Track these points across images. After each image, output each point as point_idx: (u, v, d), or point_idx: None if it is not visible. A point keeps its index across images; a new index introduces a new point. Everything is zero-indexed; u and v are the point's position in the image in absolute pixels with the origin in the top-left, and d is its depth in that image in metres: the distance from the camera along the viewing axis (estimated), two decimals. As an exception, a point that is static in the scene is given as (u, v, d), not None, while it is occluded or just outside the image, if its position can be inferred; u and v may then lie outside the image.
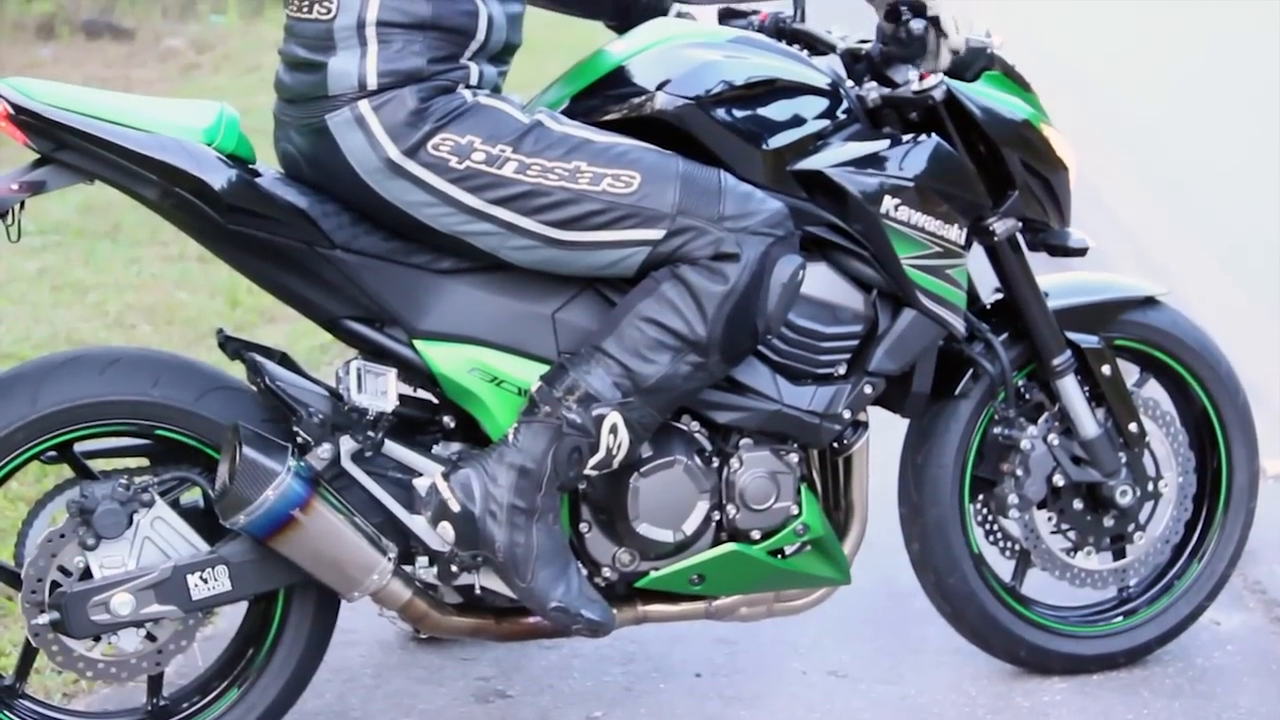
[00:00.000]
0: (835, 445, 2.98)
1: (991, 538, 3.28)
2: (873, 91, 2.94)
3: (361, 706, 3.13)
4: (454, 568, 2.81)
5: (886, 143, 2.92)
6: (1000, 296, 3.18)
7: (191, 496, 2.80)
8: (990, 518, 3.27)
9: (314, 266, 2.73)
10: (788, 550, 2.96)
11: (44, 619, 2.69)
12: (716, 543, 2.92)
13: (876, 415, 3.03)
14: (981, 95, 3.00)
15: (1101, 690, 3.22)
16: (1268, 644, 3.41)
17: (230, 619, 3.12)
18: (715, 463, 2.89)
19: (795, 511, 2.93)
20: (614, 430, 2.72)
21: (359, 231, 2.74)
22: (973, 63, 2.92)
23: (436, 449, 2.82)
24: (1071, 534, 3.24)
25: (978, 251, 3.07)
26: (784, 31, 3.13)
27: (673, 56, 2.85)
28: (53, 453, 2.75)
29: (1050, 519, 3.23)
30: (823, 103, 2.90)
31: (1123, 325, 3.23)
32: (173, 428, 2.75)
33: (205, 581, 2.72)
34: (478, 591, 2.84)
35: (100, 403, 2.71)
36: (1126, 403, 3.21)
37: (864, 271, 2.92)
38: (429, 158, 2.67)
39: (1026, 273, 3.13)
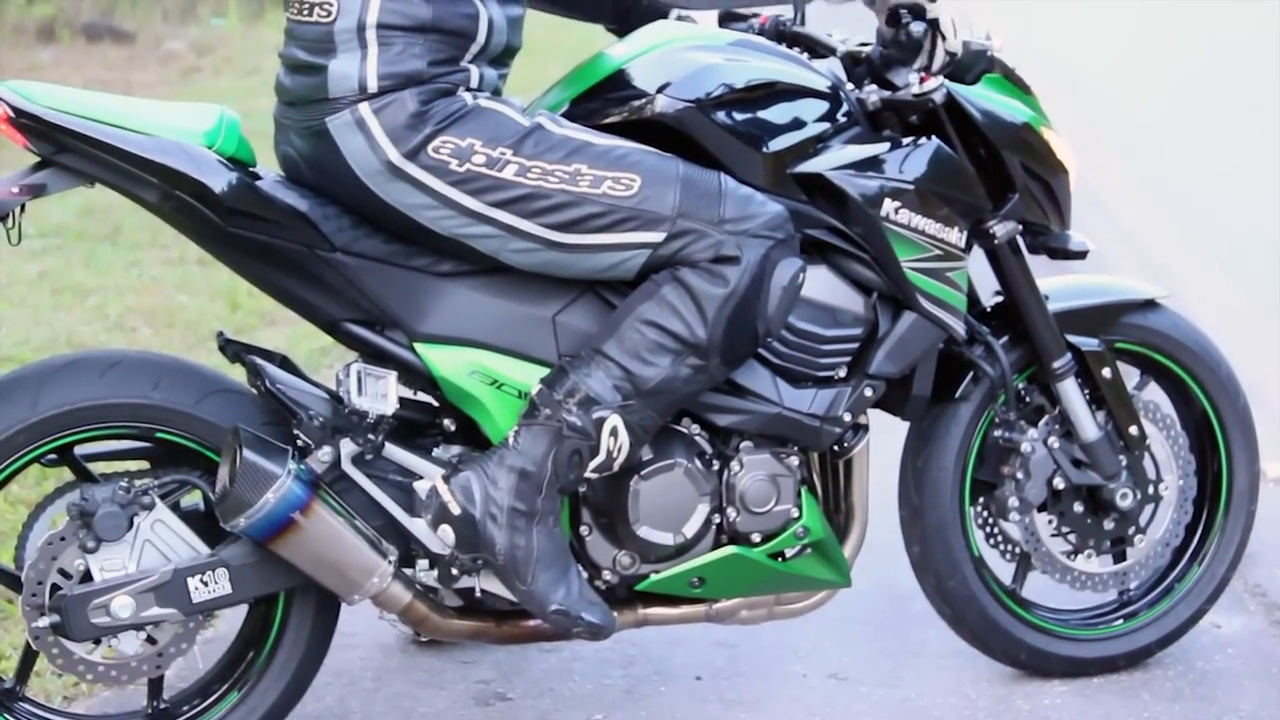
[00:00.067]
0: (835, 448, 2.98)
1: (992, 540, 3.28)
2: (873, 94, 2.94)
3: (362, 709, 3.13)
4: (454, 571, 2.81)
5: (886, 146, 2.92)
6: (1000, 299, 3.18)
7: (192, 499, 2.80)
8: (991, 520, 3.27)
9: (314, 269, 2.73)
10: (788, 553, 2.96)
11: (44, 622, 2.69)
12: (717, 545, 2.92)
13: (877, 418, 3.03)
14: (982, 98, 3.00)
15: (1102, 693, 3.22)
16: (1268, 647, 3.41)
17: (230, 622, 3.12)
18: (716, 465, 2.89)
19: (795, 514, 2.93)
20: (614, 433, 2.72)
21: (359, 234, 2.74)
22: (973, 66, 2.92)
23: (437, 452, 2.82)
24: (1072, 537, 3.24)
25: (978, 254, 3.07)
26: (784, 35, 3.13)
27: (673, 59, 2.85)
28: (53, 456, 2.75)
29: (1050, 522, 3.23)
30: (823, 106, 2.90)
31: (1123, 328, 3.23)
32: (173, 430, 2.75)
33: (205, 584, 2.72)
34: (478, 594, 2.84)
35: (101, 406, 2.71)
36: (1127, 406, 3.21)
37: (864, 274, 2.92)
38: (429, 160, 2.67)
39: (1027, 275, 3.13)
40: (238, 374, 2.86)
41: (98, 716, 2.98)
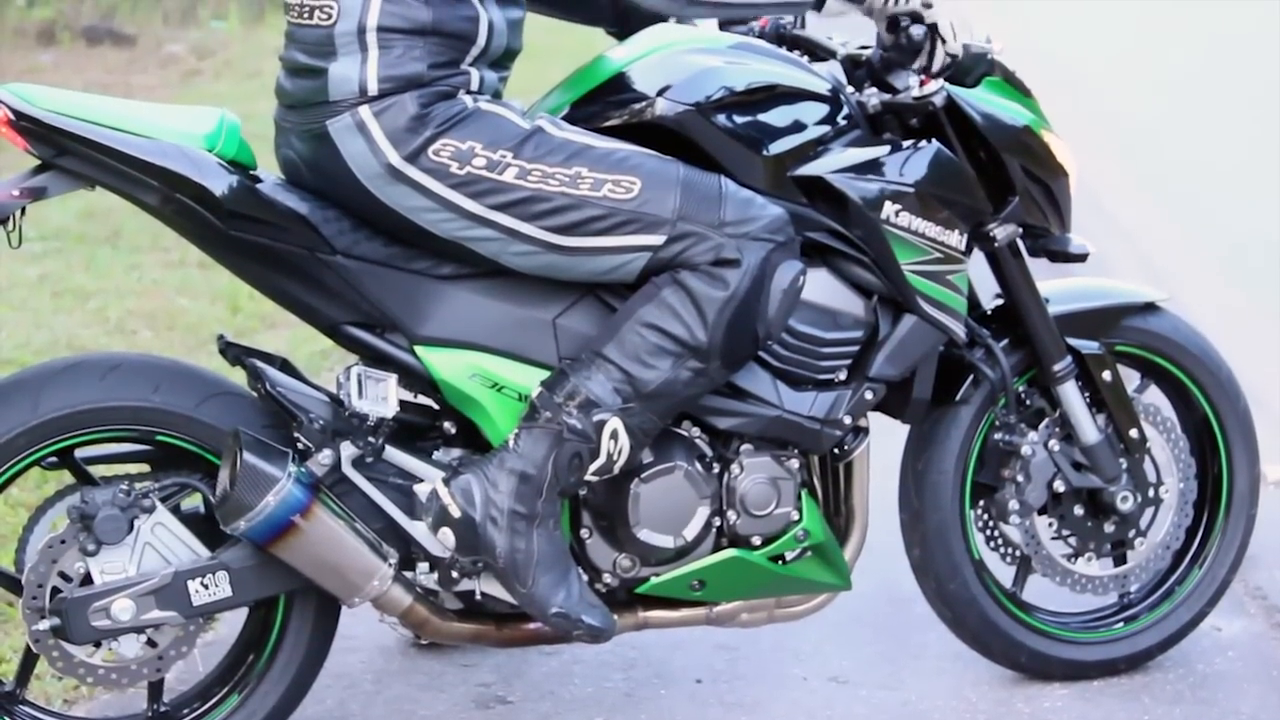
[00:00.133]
0: (836, 451, 2.98)
1: (992, 543, 3.28)
2: (873, 98, 2.94)
3: (362, 712, 3.13)
4: (454, 573, 2.81)
5: (887, 149, 2.92)
6: (1001, 302, 3.18)
7: (192, 502, 2.80)
8: (991, 523, 3.26)
9: (315, 272, 2.73)
10: (788, 556, 2.96)
11: (45, 625, 2.69)
12: (717, 548, 2.92)
13: (877, 421, 3.03)
14: (982, 101, 3.00)
15: (1102, 696, 3.22)
16: (1269, 650, 3.41)
17: (231, 625, 3.12)
18: (716, 468, 2.89)
19: (796, 517, 2.93)
20: (614, 436, 2.72)
21: (360, 237, 2.74)
22: (973, 69, 2.92)
23: (437, 455, 2.82)
24: (1072, 540, 3.24)
25: (978, 257, 3.07)
26: (784, 38, 3.14)
27: (673, 62, 2.85)
28: (53, 458, 2.75)
29: (1051, 525, 3.23)
30: (823, 109, 2.90)
31: (1123, 331, 3.23)
32: (173, 433, 2.75)
33: (206, 587, 2.72)
34: (478, 597, 2.84)
35: (101, 408, 2.71)
36: (1127, 408, 3.21)
37: (864, 277, 2.92)
38: (430, 163, 2.67)
39: (1027, 278, 3.13)
40: (238, 377, 2.86)
41: (98, 719, 2.98)
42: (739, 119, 2.84)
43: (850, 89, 2.97)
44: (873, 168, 2.89)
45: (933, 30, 2.84)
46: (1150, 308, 3.26)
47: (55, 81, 8.05)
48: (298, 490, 2.67)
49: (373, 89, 2.65)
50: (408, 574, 2.80)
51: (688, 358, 2.72)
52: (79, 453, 2.76)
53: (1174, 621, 3.31)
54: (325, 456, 2.73)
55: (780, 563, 2.95)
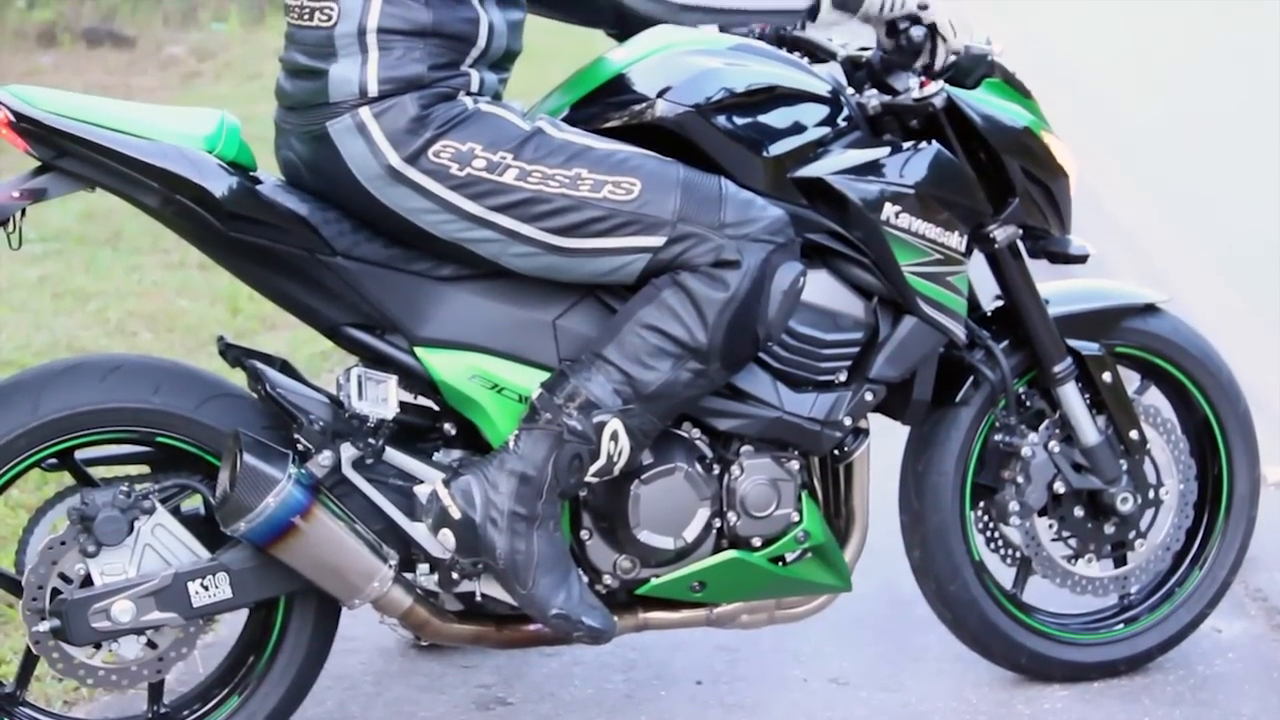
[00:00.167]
0: (836, 452, 2.98)
1: (992, 545, 3.28)
2: (873, 99, 2.94)
3: (362, 714, 3.13)
4: (455, 575, 2.81)
5: (887, 150, 2.92)
6: (1001, 304, 3.18)
7: (192, 504, 2.80)
8: (991, 525, 3.26)
9: (315, 274, 2.73)
10: (789, 557, 2.96)
11: (45, 626, 2.69)
12: (717, 550, 2.91)
13: (877, 422, 3.03)
14: (982, 103, 3.00)
15: (1103, 698, 3.22)
16: (1269, 652, 3.41)
17: (231, 626, 3.12)
18: (716, 470, 2.89)
19: (796, 518, 2.93)
20: (615, 437, 2.72)
21: (360, 238, 2.74)
22: (973, 70, 2.92)
23: (437, 456, 2.82)
24: (1072, 541, 3.24)
25: (978, 259, 3.07)
26: (784, 39, 3.13)
27: (673, 64, 2.85)
28: (53, 460, 2.75)
29: (1051, 526, 3.23)
30: (823, 110, 2.90)
31: (1123, 332, 3.23)
32: (173, 435, 2.75)
33: (206, 589, 2.72)
34: (478, 599, 2.84)
35: (101, 410, 2.71)
36: (1127, 410, 3.21)
37: (864, 278, 2.92)
38: (430, 164, 2.67)
39: (1027, 280, 3.13)
40: (238, 378, 2.86)
41: (98, 721, 2.99)
42: (739, 120, 2.84)
43: (850, 90, 2.97)
44: (873, 169, 2.89)
45: (932, 30, 2.84)
46: (1150, 309, 3.26)
47: (55, 83, 8.05)
48: (298, 492, 2.67)
49: (373, 90, 2.66)
50: (408, 575, 2.80)
51: (688, 359, 2.72)
52: (79, 454, 2.76)
53: (1174, 623, 3.31)
54: (325, 458, 2.73)
55: (780, 564, 2.95)
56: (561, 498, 2.77)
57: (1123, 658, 3.29)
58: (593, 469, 2.74)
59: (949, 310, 2.96)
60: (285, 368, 2.83)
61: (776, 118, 2.87)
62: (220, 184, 2.66)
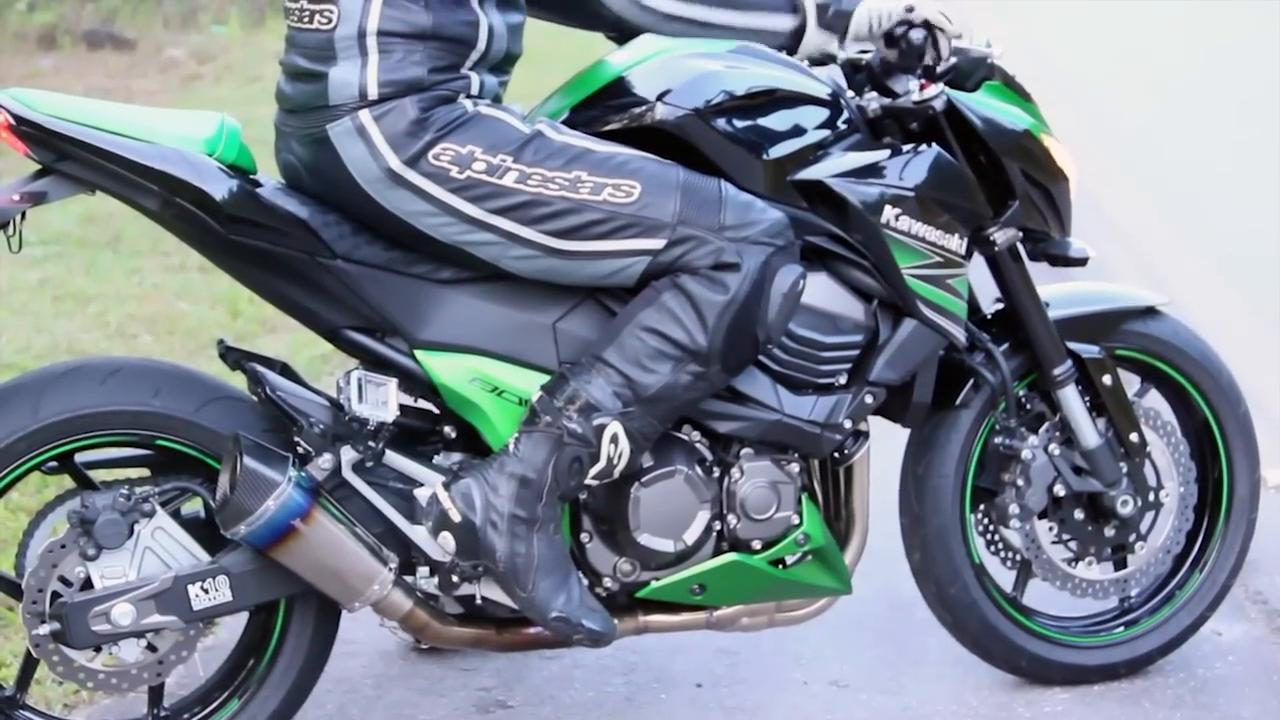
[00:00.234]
0: (836, 455, 2.98)
1: (993, 548, 3.28)
2: (873, 102, 2.94)
3: (362, 717, 3.13)
4: (455, 578, 2.81)
5: (887, 153, 2.92)
6: (1001, 306, 3.18)
7: (192, 507, 2.80)
8: (991, 528, 3.26)
9: (315, 277, 2.73)
10: (789, 560, 2.95)
11: (45, 629, 2.69)
12: (717, 553, 2.91)
13: (877, 425, 3.03)
14: (982, 105, 3.00)
15: (1103, 701, 3.22)
16: (1269, 655, 3.41)
17: (231, 629, 3.12)
18: (716, 472, 2.89)
19: (796, 521, 2.93)
20: (615, 440, 2.72)
21: (360, 241, 2.74)
22: (973, 73, 2.93)
23: (437, 459, 2.82)
24: (1073, 544, 3.24)
25: (978, 261, 3.07)
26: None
27: (673, 67, 2.85)
28: (54, 463, 2.75)
29: (1051, 529, 3.23)
30: (823, 113, 2.90)
31: (1124, 335, 3.23)
32: (174, 438, 2.75)
33: (206, 592, 2.72)
34: (479, 602, 2.84)
35: (101, 413, 2.71)
36: (1127, 413, 3.21)
37: (864, 281, 2.92)
38: (430, 167, 2.67)
39: (1027, 282, 3.13)
40: (238, 381, 2.86)
41: (98, 724, 2.99)
42: (739, 123, 2.84)
43: (850, 93, 2.97)
44: (873, 172, 2.89)
45: (929, 27, 2.83)
46: (1150, 312, 3.26)
47: (56, 86, 8.05)
48: (298, 495, 2.67)
49: (373, 93, 2.66)
50: (408, 578, 2.80)
51: (688, 362, 2.72)
52: (79, 457, 2.76)
53: (1174, 626, 3.31)
54: (325, 461, 2.73)
55: (780, 567, 2.95)
56: (561, 500, 2.77)
57: (1123, 661, 3.29)
58: (593, 472, 2.74)
59: (949, 313, 2.96)
60: (285, 371, 2.83)
61: (776, 120, 2.87)
62: (220, 187, 2.66)
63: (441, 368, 2.76)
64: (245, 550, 2.72)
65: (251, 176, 2.72)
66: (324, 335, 2.82)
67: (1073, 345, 3.17)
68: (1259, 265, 6.18)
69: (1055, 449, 3.17)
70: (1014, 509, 3.17)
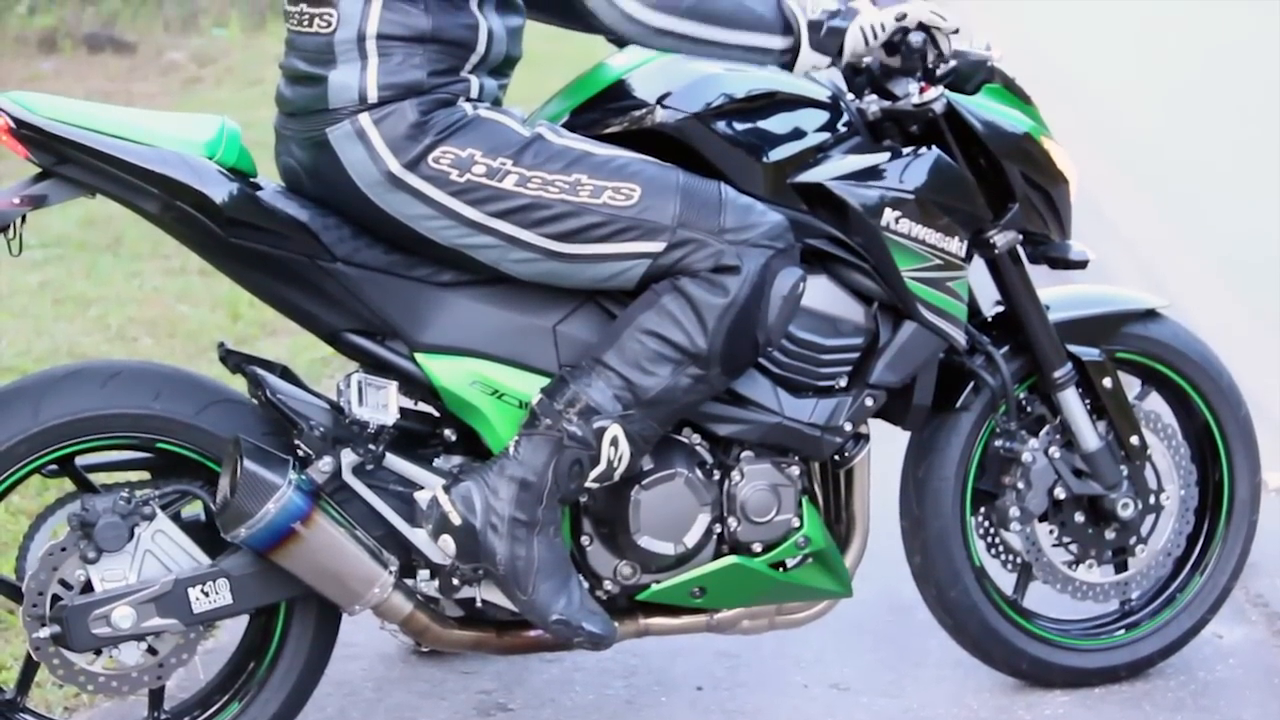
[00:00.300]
0: (836, 458, 2.98)
1: (993, 550, 3.28)
2: (873, 104, 2.94)
3: (363, 720, 3.14)
4: (455, 581, 2.81)
5: (887, 155, 2.92)
6: (1001, 309, 3.18)
7: (193, 510, 2.80)
8: (992, 530, 3.26)
9: (315, 280, 2.73)
10: (789, 563, 2.95)
11: (45, 632, 2.69)
12: (718, 555, 2.91)
13: (878, 428, 3.03)
14: (982, 108, 3.01)
15: (1104, 704, 3.22)
16: (1270, 657, 3.41)
17: (231, 632, 3.12)
18: (716, 475, 2.89)
19: (796, 524, 2.93)
20: (615, 443, 2.72)
21: (360, 245, 2.74)
22: (973, 75, 2.92)
23: (437, 462, 2.82)
24: (1073, 547, 3.24)
25: (978, 264, 3.07)
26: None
27: (673, 70, 2.85)
28: (54, 466, 2.75)
29: (1052, 532, 3.23)
30: (823, 116, 2.90)
31: (1124, 338, 3.23)
32: (174, 441, 2.75)
33: (206, 595, 2.72)
34: (479, 605, 2.84)
35: (101, 416, 2.71)
36: (1128, 415, 3.21)
37: (864, 284, 2.92)
38: (429, 171, 2.67)
39: (1027, 285, 3.13)
40: (239, 384, 2.86)
41: (98, 727, 2.99)
42: (739, 126, 2.84)
43: (850, 96, 2.97)
44: (873, 174, 2.89)
45: (925, 29, 2.83)
46: (1151, 314, 3.26)
47: (56, 89, 8.04)
48: (298, 498, 2.67)
49: (372, 96, 2.66)
50: (408, 581, 2.80)
51: (688, 364, 2.72)
52: (79, 460, 2.76)
53: (1175, 629, 3.31)
54: (326, 464, 2.73)
55: (781, 570, 2.95)
56: (562, 503, 2.77)
57: (1124, 663, 3.29)
58: (593, 474, 2.74)
59: (949, 315, 2.96)
60: (285, 373, 2.83)
61: (776, 123, 2.87)
62: (220, 190, 2.66)
63: (442, 371, 2.76)
64: (245, 553, 2.72)
65: (252, 180, 2.72)
66: (324, 338, 2.82)
67: (1073, 348, 3.17)
68: (1259, 267, 6.18)
69: (1056, 452, 3.17)
70: (1014, 512, 3.17)
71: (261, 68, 9.94)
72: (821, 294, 2.90)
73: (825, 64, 2.78)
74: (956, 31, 2.86)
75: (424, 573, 2.81)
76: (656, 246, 2.72)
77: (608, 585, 2.88)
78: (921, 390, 3.00)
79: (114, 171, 2.64)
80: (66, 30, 10.96)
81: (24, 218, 2.66)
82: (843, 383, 2.93)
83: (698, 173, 2.78)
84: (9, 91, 2.70)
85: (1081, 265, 3.17)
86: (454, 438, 2.82)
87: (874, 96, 2.95)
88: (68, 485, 2.80)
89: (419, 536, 2.77)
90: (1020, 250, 3.12)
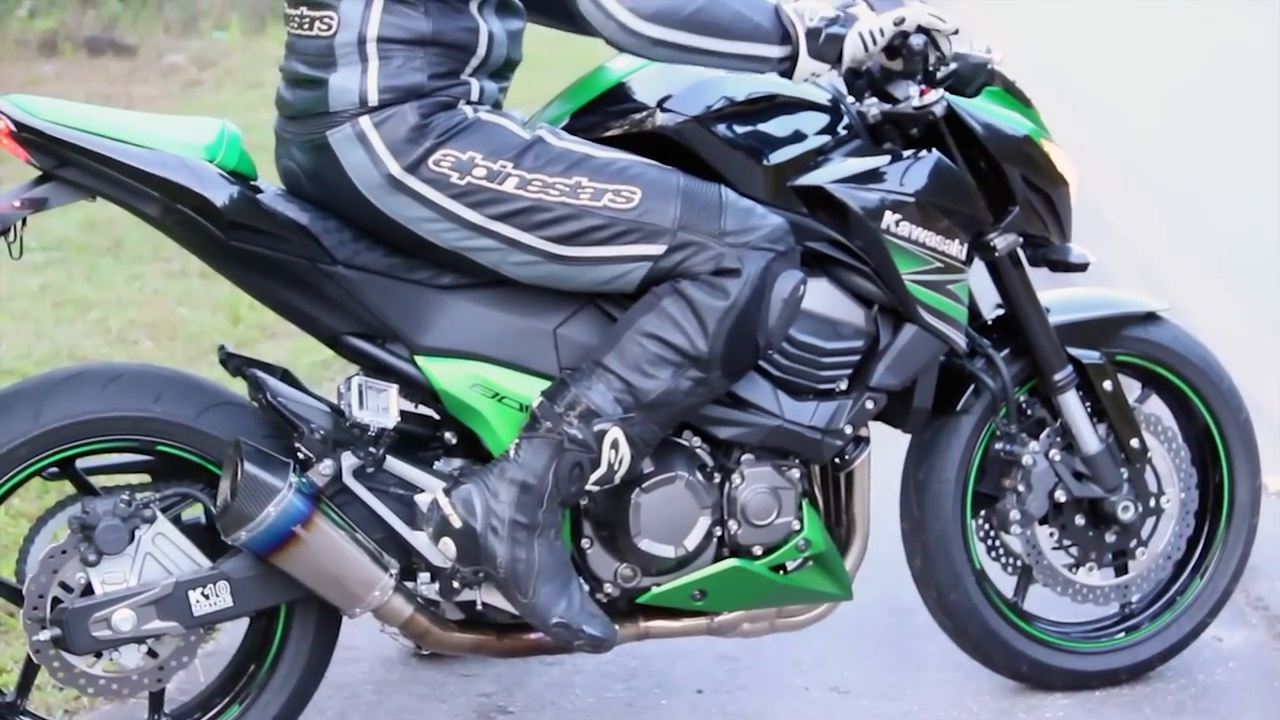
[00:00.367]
0: (837, 461, 2.98)
1: (993, 553, 3.28)
2: (873, 107, 2.94)
3: (363, 723, 3.14)
4: (456, 584, 2.81)
5: (887, 158, 2.92)
6: (1001, 312, 3.18)
7: (193, 512, 2.80)
8: (992, 533, 3.26)
9: (315, 282, 2.73)
10: (789, 566, 2.96)
11: (45, 635, 2.69)
12: (718, 558, 2.91)
13: (878, 430, 3.03)
14: (982, 111, 3.01)
15: (1104, 706, 3.22)
16: (1270, 660, 3.41)
17: (232, 635, 3.12)
18: (717, 478, 2.89)
19: (797, 527, 2.93)
20: (615, 446, 2.72)
21: (360, 247, 2.74)
22: (973, 78, 2.92)
23: (438, 465, 2.82)
24: (1073, 550, 3.24)
25: (979, 267, 3.07)
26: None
27: (673, 73, 2.85)
28: (54, 469, 2.75)
29: (1052, 534, 3.23)
30: (823, 118, 2.90)
31: (1124, 341, 3.23)
32: (174, 444, 2.75)
33: (207, 597, 2.72)
34: (479, 607, 2.84)
35: (102, 419, 2.71)
36: (1128, 418, 3.21)
37: (865, 287, 2.92)
38: (430, 173, 2.67)
39: (1028, 288, 3.13)
40: (239, 387, 2.86)
41: (99, 730, 2.99)
42: (739, 129, 2.84)
43: (850, 99, 2.98)
44: (873, 177, 2.89)
45: (924, 32, 2.82)
46: (1151, 317, 3.26)
47: (57, 92, 8.05)
48: (299, 501, 2.67)
49: (373, 99, 2.66)
50: (409, 584, 2.80)
51: (688, 367, 2.72)
52: (80, 463, 2.76)
53: (1175, 632, 3.31)
54: (326, 467, 2.73)
55: (781, 573, 2.95)
56: (562, 506, 2.77)
57: (1124, 666, 3.29)
58: (593, 477, 2.74)
59: (950, 318, 2.96)
60: (286, 376, 2.83)
61: (776, 126, 2.87)
62: (221, 193, 2.66)
63: (442, 373, 2.76)
64: (246, 556, 2.72)
65: (252, 182, 2.73)
66: (324, 341, 2.82)
67: (1073, 351, 3.17)
68: (1260, 270, 6.17)
69: (1056, 454, 3.17)
70: (1015, 514, 3.17)
71: (262, 71, 9.94)
72: (822, 297, 2.90)
73: (824, 71, 2.78)
74: (956, 33, 2.86)
75: (424, 575, 2.81)
76: (657, 249, 2.72)
77: (608, 588, 2.88)
78: (922, 393, 3.00)
79: (114, 174, 2.64)
80: (67, 33, 10.96)
81: (24, 221, 2.66)
82: (843, 386, 2.93)
83: (698, 176, 2.78)
84: (9, 94, 2.70)
85: (1082, 268, 3.17)
86: (454, 441, 2.82)
87: (874, 99, 2.95)
88: (68, 488, 2.80)
89: (419, 539, 2.77)
90: (1020, 253, 3.12)
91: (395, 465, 2.77)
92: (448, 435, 2.83)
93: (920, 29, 2.81)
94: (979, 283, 3.06)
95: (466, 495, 2.72)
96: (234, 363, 2.82)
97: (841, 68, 2.77)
